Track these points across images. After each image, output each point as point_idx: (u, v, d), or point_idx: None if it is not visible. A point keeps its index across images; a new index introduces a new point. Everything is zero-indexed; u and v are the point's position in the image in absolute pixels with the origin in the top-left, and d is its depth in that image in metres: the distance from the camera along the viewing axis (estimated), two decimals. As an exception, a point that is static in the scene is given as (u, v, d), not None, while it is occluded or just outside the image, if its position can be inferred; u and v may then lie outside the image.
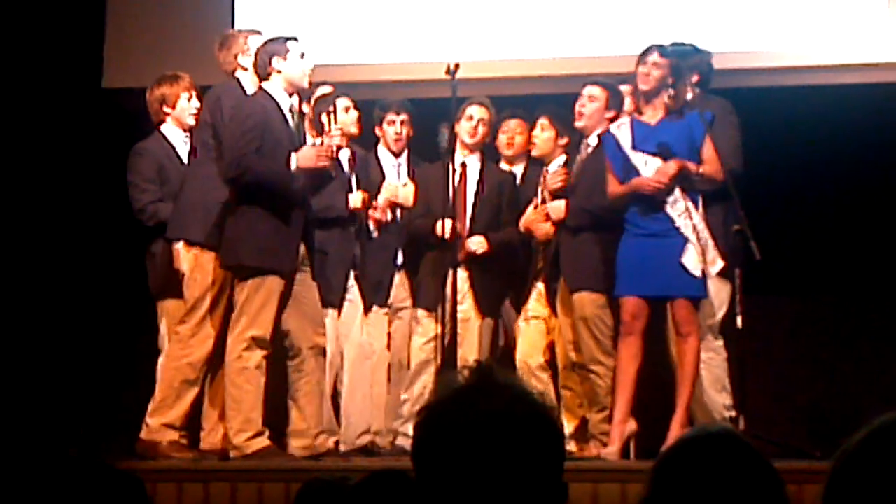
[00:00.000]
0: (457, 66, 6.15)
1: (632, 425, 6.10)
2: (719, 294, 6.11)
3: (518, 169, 6.92)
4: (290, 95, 6.15)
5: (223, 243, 6.03)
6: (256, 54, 6.18)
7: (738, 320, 5.97)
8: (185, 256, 6.19)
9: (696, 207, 5.91)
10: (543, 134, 6.72)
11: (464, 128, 6.70)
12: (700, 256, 5.83)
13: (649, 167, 5.94)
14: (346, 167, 6.66)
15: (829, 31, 7.35)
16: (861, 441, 1.81)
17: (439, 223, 6.50)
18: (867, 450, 1.80)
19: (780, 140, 7.13)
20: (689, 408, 5.94)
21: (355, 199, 6.58)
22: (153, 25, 7.91)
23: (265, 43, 6.19)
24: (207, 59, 6.70)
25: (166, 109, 6.54)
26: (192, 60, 6.88)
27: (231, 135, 6.01)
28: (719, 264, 5.89)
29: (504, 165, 6.92)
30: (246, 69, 6.29)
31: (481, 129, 6.74)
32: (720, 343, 6.16)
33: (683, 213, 5.88)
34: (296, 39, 6.17)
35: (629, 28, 7.35)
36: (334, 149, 6.22)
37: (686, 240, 5.85)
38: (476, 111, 6.69)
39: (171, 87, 6.54)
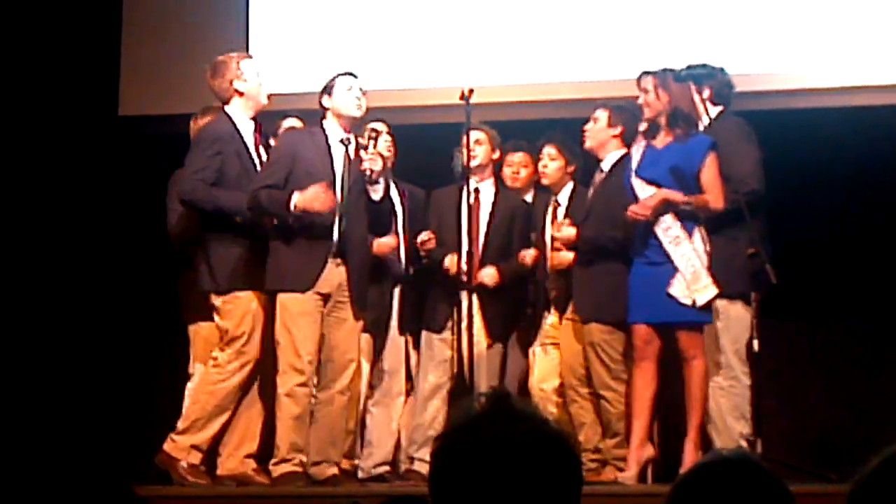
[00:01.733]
0: (471, 91, 6.17)
1: (649, 450, 6.08)
2: (742, 320, 6.04)
3: (527, 198, 6.94)
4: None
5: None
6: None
7: (756, 344, 5.94)
8: (214, 297, 6.19)
9: (690, 235, 5.88)
10: (553, 164, 6.73)
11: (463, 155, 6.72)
12: (689, 284, 5.83)
13: (645, 194, 5.96)
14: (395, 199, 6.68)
15: (849, 53, 7.34)
16: (878, 466, 1.81)
17: (448, 258, 6.54)
18: (884, 475, 1.80)
19: (801, 163, 7.11)
20: (700, 430, 5.92)
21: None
22: (168, 53, 7.95)
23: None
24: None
25: None
26: (208, 88, 6.89)
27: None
28: (711, 292, 5.86)
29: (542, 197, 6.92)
30: (242, 94, 6.28)
31: (479, 151, 6.71)
32: (745, 371, 6.06)
33: (673, 240, 5.88)
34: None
35: (645, 51, 7.34)
36: (370, 171, 6.19)
37: (676, 268, 5.86)
38: (470, 136, 6.64)
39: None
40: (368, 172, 6.13)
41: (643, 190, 5.97)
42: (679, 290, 5.83)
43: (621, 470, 6.08)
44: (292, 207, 5.97)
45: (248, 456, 6.18)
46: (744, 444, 5.90)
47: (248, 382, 6.18)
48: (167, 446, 6.13)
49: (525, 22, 7.71)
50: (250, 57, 6.44)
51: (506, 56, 7.68)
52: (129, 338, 7.85)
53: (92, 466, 7.02)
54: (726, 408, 6.03)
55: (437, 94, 7.28)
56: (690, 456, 5.78)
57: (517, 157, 6.92)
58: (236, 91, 6.28)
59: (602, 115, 6.48)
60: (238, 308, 6.11)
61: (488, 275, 6.61)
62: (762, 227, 6.04)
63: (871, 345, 7.38)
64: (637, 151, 6.11)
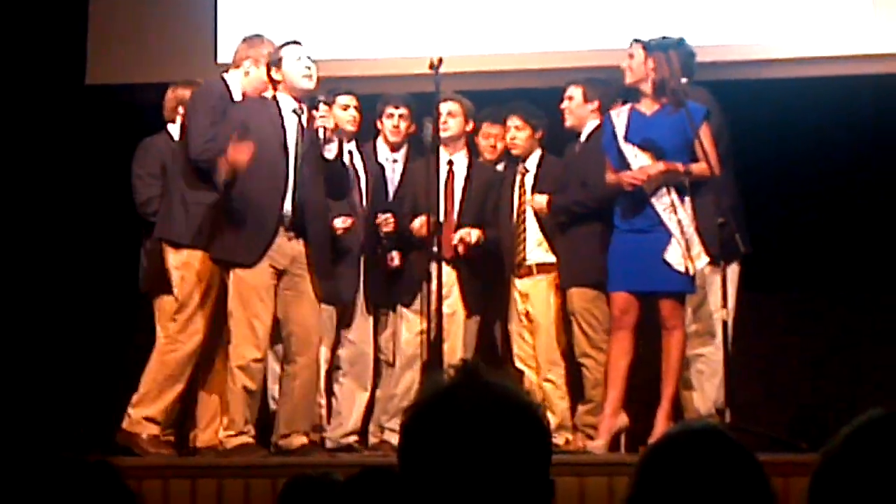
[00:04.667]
0: (440, 60, 6.11)
1: (623, 419, 6.10)
2: (715, 287, 6.06)
3: (498, 167, 6.95)
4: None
5: (213, 239, 6.04)
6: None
7: (724, 313, 5.96)
8: (173, 255, 6.18)
9: (683, 201, 5.90)
10: (520, 133, 6.75)
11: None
12: (684, 252, 5.83)
13: (639, 160, 5.94)
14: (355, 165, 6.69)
15: (816, 23, 7.34)
16: (847, 436, 1.82)
17: (418, 220, 6.53)
18: (853, 444, 1.80)
19: (769, 134, 7.13)
20: (673, 400, 5.95)
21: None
22: (136, 22, 7.87)
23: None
24: (189, 55, 6.68)
25: (181, 111, 6.49)
26: (175, 57, 6.86)
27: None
28: (704, 259, 5.87)
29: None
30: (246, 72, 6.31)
31: (451, 123, 6.69)
32: (719, 336, 6.10)
33: (668, 207, 5.87)
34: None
35: (614, 21, 7.34)
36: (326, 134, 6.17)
37: (670, 235, 5.85)
38: (443, 108, 6.61)
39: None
40: (322, 131, 6.10)
41: (636, 156, 5.95)
42: (675, 256, 5.83)
43: (590, 438, 6.10)
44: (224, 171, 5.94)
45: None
46: (714, 411, 5.93)
47: (206, 352, 6.16)
48: (125, 423, 6.13)
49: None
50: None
51: (475, 25, 7.64)
52: (97, 309, 7.81)
53: (58, 440, 7.01)
54: (706, 374, 6.06)
55: (406, 64, 7.25)
56: (662, 425, 5.78)
57: (494, 130, 6.91)
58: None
59: (576, 91, 6.49)
60: (191, 275, 6.09)
61: (470, 233, 6.59)
62: (733, 197, 6.05)
63: (844, 315, 7.42)
64: (620, 117, 6.07)
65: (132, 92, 7.65)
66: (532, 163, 6.75)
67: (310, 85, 6.18)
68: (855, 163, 7.31)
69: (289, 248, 6.03)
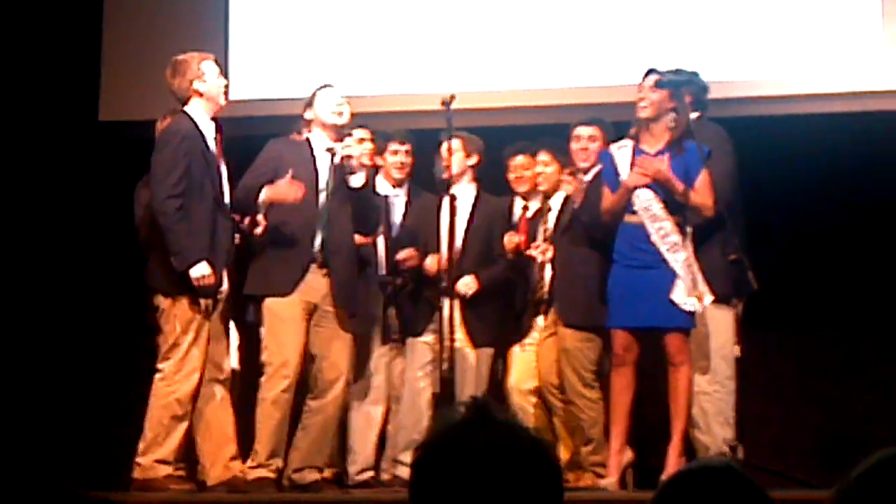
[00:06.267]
0: (452, 97, 6.13)
1: (628, 455, 6.08)
2: (726, 325, 6.05)
3: (534, 204, 6.87)
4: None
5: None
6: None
7: (737, 349, 5.95)
8: (162, 298, 6.13)
9: (685, 241, 5.89)
10: (548, 169, 6.73)
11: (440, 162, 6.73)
12: (689, 289, 5.82)
13: (641, 198, 5.92)
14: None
15: (823, 60, 7.36)
16: (860, 475, 1.81)
17: (430, 258, 6.57)
18: (865, 483, 1.80)
19: (783, 170, 7.13)
20: (684, 436, 5.92)
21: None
22: (148, 60, 7.91)
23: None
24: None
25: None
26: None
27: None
28: (709, 298, 5.85)
29: (519, 201, 6.90)
30: (202, 95, 6.18)
31: (452, 159, 6.66)
32: (729, 375, 6.07)
33: (672, 247, 5.87)
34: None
35: (625, 58, 7.36)
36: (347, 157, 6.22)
37: (675, 274, 5.83)
38: (444, 146, 6.64)
39: None
40: (348, 160, 6.15)
41: (638, 195, 5.91)
42: (681, 296, 5.80)
43: (600, 476, 6.07)
44: (261, 198, 6.00)
45: (232, 459, 6.14)
46: (726, 449, 5.90)
47: (200, 387, 6.13)
48: (136, 473, 6.06)
49: (507, 28, 7.71)
50: (210, 57, 6.32)
51: (487, 62, 7.67)
52: (105, 340, 7.81)
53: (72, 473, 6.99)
54: (711, 413, 6.02)
55: (420, 100, 7.27)
56: (673, 462, 5.76)
57: (518, 160, 6.88)
58: (195, 91, 6.19)
59: (598, 133, 6.45)
60: (182, 314, 6.05)
61: (465, 284, 6.59)
62: (741, 234, 6.03)
63: (853, 353, 7.38)
64: (621, 151, 6.05)
65: (144, 128, 7.68)
66: (557, 201, 6.74)
67: (342, 121, 6.25)
68: (863, 199, 7.29)
69: (320, 284, 6.11)
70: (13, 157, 7.99)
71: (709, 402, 6.03)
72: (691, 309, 5.80)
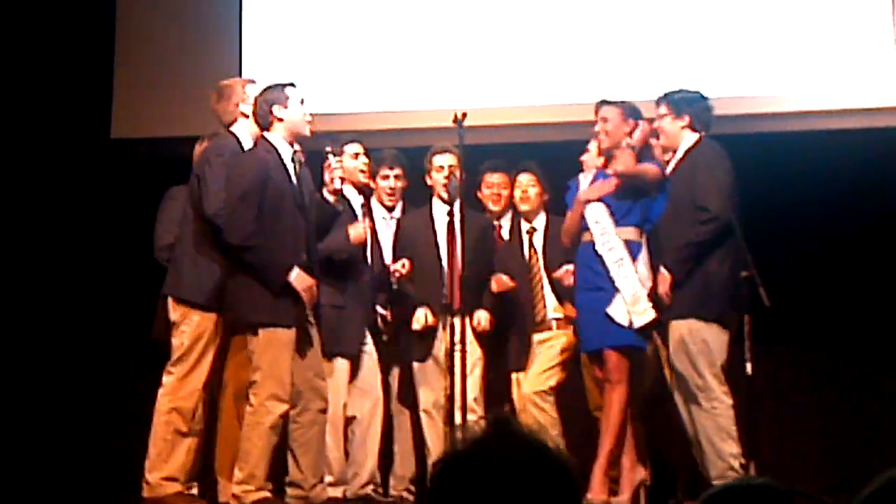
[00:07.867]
0: (464, 114, 6.10)
1: (641, 473, 6.07)
2: (717, 342, 6.02)
3: (505, 222, 6.93)
4: (292, 144, 6.01)
5: (228, 300, 5.97)
6: (255, 103, 6.08)
7: (748, 367, 5.93)
8: (176, 309, 6.14)
9: (635, 259, 5.94)
10: (532, 190, 6.82)
11: (438, 179, 6.70)
12: (628, 306, 5.85)
13: (593, 211, 6.02)
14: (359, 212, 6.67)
15: (836, 77, 7.37)
16: (871, 494, 1.80)
17: (419, 312, 6.57)
18: (879, 500, 1.79)
19: (795, 185, 7.13)
20: (609, 456, 5.92)
21: (356, 231, 6.57)
22: (160, 78, 7.96)
23: (263, 91, 6.06)
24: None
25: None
26: (200, 111, 6.88)
27: (230, 195, 5.88)
28: (649, 315, 5.88)
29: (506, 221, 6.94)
30: (247, 117, 6.15)
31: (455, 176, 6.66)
32: (724, 390, 6.04)
33: (617, 262, 5.92)
34: (293, 85, 6.05)
35: (636, 74, 7.38)
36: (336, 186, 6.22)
37: (616, 290, 5.87)
38: (444, 160, 6.65)
39: None
40: (337, 181, 6.18)
41: (597, 221, 6.03)
42: (618, 311, 5.86)
43: (613, 493, 6.06)
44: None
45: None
46: (735, 463, 5.89)
47: (220, 405, 6.13)
48: (145, 491, 6.03)
49: (518, 46, 7.73)
50: (254, 82, 6.33)
51: (499, 78, 7.69)
52: (117, 357, 7.82)
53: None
54: (712, 429, 6.00)
55: (430, 117, 7.28)
56: (599, 481, 5.84)
57: (495, 178, 6.91)
58: (242, 114, 6.18)
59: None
60: (192, 329, 6.05)
61: (483, 318, 6.59)
62: (738, 250, 5.99)
63: (865, 368, 7.38)
64: (588, 177, 6.23)
65: (156, 145, 7.71)
66: (540, 223, 6.80)
67: (307, 131, 6.05)
68: (874, 216, 7.29)
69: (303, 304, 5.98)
70: (26, 173, 8.02)
71: (708, 419, 6.00)
72: (625, 324, 5.84)
